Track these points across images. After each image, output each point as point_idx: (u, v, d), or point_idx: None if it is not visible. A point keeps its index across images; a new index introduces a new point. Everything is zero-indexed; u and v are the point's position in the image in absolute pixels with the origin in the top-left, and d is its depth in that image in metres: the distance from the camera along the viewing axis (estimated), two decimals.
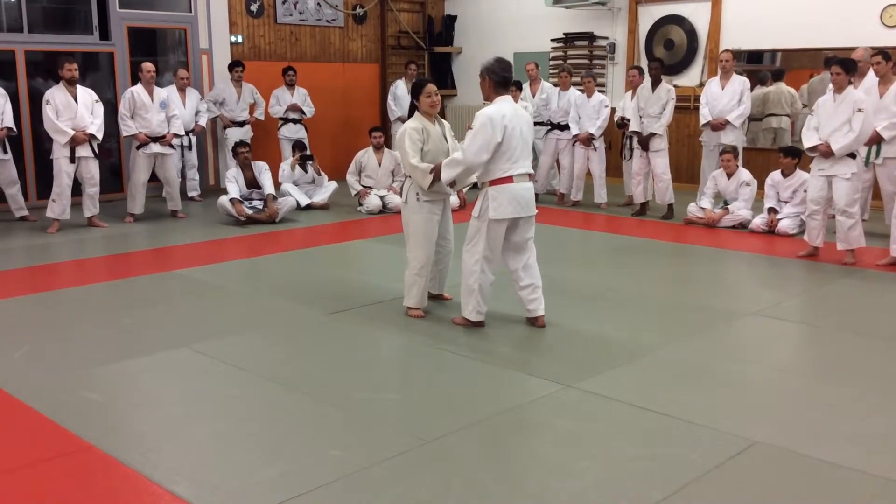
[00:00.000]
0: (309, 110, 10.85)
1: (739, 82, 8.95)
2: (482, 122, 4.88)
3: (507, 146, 4.90)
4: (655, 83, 8.99)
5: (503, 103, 4.97)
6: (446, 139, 5.42)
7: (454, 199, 5.86)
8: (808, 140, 6.88)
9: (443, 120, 5.53)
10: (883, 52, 7.55)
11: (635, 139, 9.22)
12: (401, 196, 5.53)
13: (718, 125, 8.95)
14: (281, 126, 10.79)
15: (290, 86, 10.76)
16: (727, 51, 9.27)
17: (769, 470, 3.35)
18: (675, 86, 9.44)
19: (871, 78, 7.66)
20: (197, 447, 3.57)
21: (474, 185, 5.27)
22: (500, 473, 3.35)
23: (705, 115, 9.04)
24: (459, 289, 5.28)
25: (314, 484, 3.20)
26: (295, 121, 10.79)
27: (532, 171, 5.14)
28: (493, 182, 4.96)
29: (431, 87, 5.33)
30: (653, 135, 8.99)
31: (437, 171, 5.14)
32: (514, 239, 5.12)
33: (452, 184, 5.22)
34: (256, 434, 3.72)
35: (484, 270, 5.07)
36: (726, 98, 8.94)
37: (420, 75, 11.65)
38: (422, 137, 5.26)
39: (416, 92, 5.36)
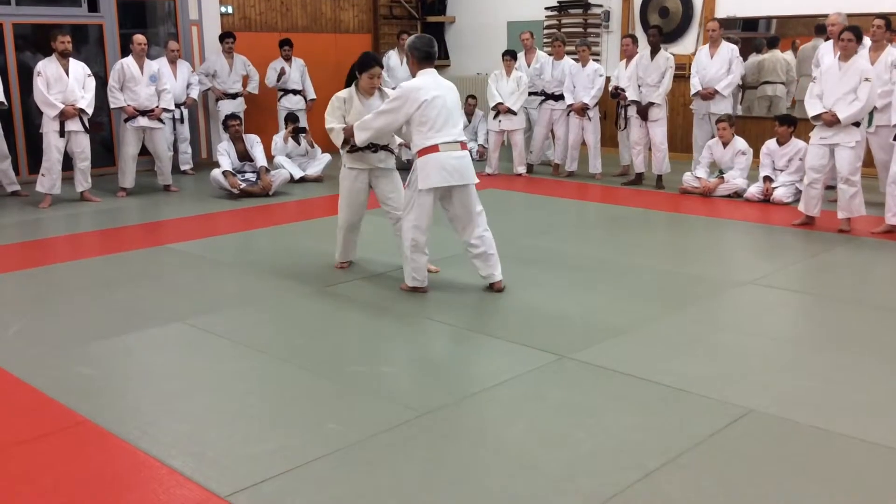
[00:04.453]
0: (309, 90, 10.73)
1: (728, 50, 8.89)
2: (395, 95, 5.16)
3: (426, 116, 5.04)
4: (654, 51, 8.91)
5: (425, 76, 5.16)
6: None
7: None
8: (812, 108, 6.79)
9: (386, 92, 5.62)
10: (885, 18, 7.46)
11: (630, 108, 9.17)
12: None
13: (708, 94, 8.90)
14: (281, 97, 10.69)
15: (287, 59, 10.61)
16: (714, 20, 9.21)
17: (765, 438, 3.36)
18: (671, 54, 9.36)
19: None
20: (192, 421, 3.57)
21: None
22: (496, 444, 3.36)
23: (695, 84, 9.01)
24: (445, 262, 5.29)
25: (310, 456, 3.21)
26: (295, 91, 10.70)
27: (464, 139, 5.24)
28: (422, 152, 5.07)
29: (378, 69, 5.54)
30: (651, 104, 8.94)
31: (347, 132, 5.38)
32: (456, 211, 5.21)
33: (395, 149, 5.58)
34: (252, 407, 3.72)
35: (415, 238, 5.18)
36: (715, 67, 8.89)
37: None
38: (342, 107, 5.53)
39: (361, 68, 5.52)
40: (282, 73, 10.45)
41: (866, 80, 6.56)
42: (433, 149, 5.04)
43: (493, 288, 5.29)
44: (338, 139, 5.49)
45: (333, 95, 5.65)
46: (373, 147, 5.50)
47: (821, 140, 6.84)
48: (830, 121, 6.68)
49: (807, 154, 7.15)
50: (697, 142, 9.20)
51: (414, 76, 5.24)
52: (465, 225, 5.22)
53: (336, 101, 5.58)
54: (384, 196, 5.68)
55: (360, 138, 5.28)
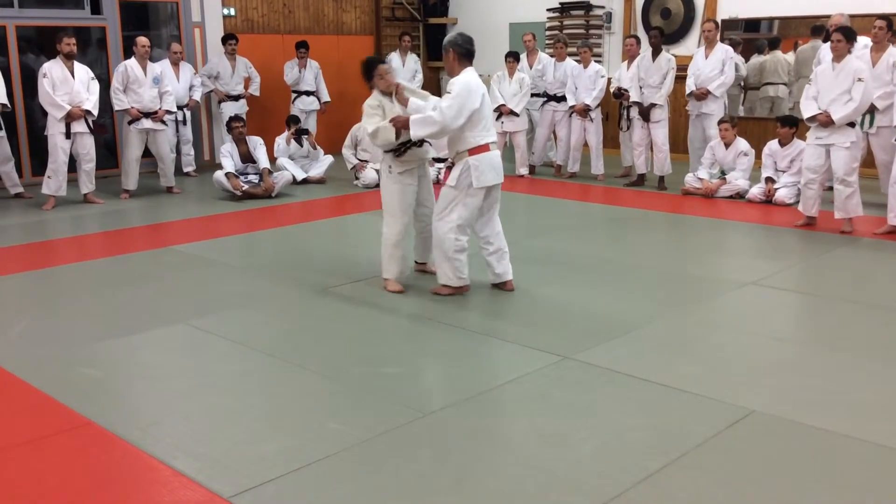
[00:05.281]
0: (323, 92, 10.83)
1: (722, 51, 8.88)
2: (461, 87, 4.97)
3: (481, 114, 5.04)
4: (656, 52, 8.93)
5: (471, 74, 5.10)
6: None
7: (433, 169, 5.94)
8: (808, 110, 6.82)
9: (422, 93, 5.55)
10: (887, 19, 7.46)
11: (632, 110, 9.19)
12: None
13: (701, 95, 8.91)
14: (295, 99, 10.74)
15: (303, 61, 10.65)
16: (710, 20, 9.24)
17: (767, 438, 3.37)
18: (672, 55, 9.38)
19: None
20: (196, 422, 3.58)
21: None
22: (499, 445, 3.37)
23: (689, 85, 9.02)
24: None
25: (315, 457, 3.22)
26: (309, 93, 10.76)
27: (496, 140, 5.28)
28: (473, 151, 5.05)
29: (382, 67, 5.43)
30: (653, 105, 8.95)
31: (397, 123, 5.13)
32: (484, 206, 5.23)
33: (420, 144, 5.33)
34: (256, 408, 3.74)
35: (458, 238, 5.16)
36: (709, 68, 8.90)
37: (415, 48, 11.53)
38: (379, 112, 5.34)
39: (366, 77, 5.43)
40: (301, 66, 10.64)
41: (859, 80, 6.57)
42: (485, 148, 5.07)
43: (506, 287, 5.32)
44: (389, 134, 5.16)
45: (364, 104, 5.47)
46: (418, 142, 5.33)
47: (817, 140, 6.86)
48: (825, 122, 6.70)
49: (804, 154, 7.17)
50: (692, 142, 9.24)
51: (453, 74, 5.14)
52: (488, 221, 5.27)
53: (369, 108, 5.40)
54: (422, 198, 5.55)
55: (420, 133, 5.01)
